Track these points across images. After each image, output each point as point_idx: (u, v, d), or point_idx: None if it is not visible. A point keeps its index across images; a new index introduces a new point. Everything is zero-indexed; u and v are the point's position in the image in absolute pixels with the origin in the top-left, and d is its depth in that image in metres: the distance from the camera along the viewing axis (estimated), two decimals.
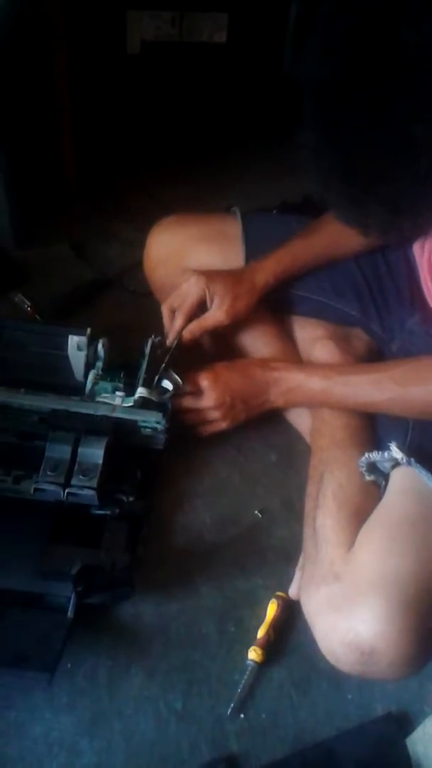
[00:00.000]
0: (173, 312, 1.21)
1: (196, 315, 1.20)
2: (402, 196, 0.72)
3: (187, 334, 1.19)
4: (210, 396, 1.16)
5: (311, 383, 1.13)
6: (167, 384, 1.14)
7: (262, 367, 1.17)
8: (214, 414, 1.18)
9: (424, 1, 0.63)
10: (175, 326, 1.19)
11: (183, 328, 1.19)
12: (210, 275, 1.19)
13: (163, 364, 1.15)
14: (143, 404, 1.11)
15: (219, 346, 1.28)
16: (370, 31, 0.66)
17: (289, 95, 2.05)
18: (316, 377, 1.13)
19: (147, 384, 1.13)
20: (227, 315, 1.19)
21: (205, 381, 1.16)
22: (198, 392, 1.17)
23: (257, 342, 1.27)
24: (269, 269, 1.20)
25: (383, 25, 0.64)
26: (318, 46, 0.72)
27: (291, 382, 1.16)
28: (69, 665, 0.99)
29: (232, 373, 1.17)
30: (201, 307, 1.20)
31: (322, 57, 0.71)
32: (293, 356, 1.27)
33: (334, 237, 1.21)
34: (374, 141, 0.69)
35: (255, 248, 1.25)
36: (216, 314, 1.19)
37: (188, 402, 1.17)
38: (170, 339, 1.19)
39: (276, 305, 1.29)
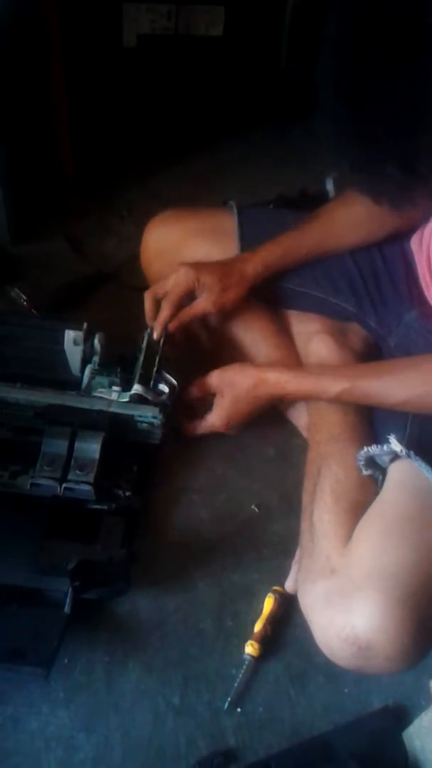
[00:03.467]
0: (156, 301, 1.22)
1: (183, 306, 1.20)
2: (418, 157, 0.72)
3: (174, 323, 1.20)
4: (220, 417, 1.18)
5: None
6: (163, 387, 1.14)
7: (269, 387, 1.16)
8: (216, 426, 1.20)
9: None
10: (160, 317, 1.19)
11: (169, 318, 1.19)
12: (199, 266, 1.19)
13: (155, 367, 1.15)
14: (139, 400, 1.11)
15: (216, 341, 1.28)
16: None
17: (285, 89, 2.06)
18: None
19: (143, 380, 1.13)
20: (215, 305, 1.19)
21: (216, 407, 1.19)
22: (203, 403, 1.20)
23: (255, 336, 1.27)
24: (259, 259, 1.20)
25: None
26: (341, 4, 0.71)
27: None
28: (66, 660, 1.00)
29: (240, 395, 1.16)
30: (189, 298, 1.20)
31: (345, 14, 0.71)
32: (290, 351, 1.27)
33: (327, 229, 1.21)
34: (394, 97, 0.69)
35: (250, 243, 1.24)
36: (204, 303, 1.19)
37: (202, 427, 1.21)
38: (157, 331, 1.19)
39: (273, 300, 1.29)
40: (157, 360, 1.16)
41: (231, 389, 1.16)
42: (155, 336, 1.19)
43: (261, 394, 1.14)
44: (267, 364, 1.21)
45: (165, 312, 1.19)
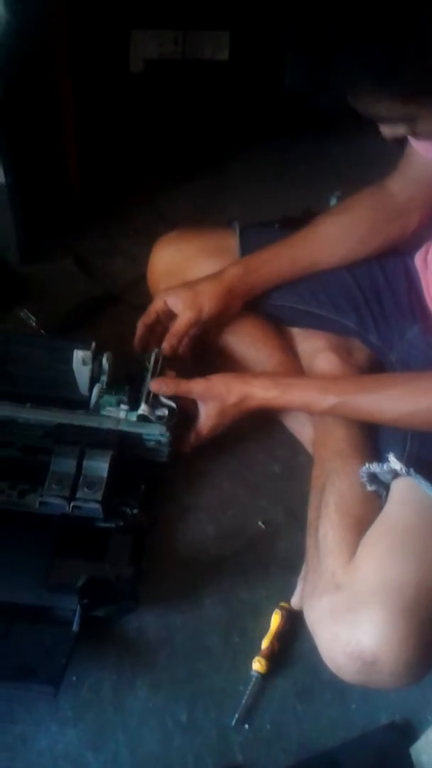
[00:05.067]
0: (144, 326, 1.27)
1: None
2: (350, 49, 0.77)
3: (166, 347, 1.22)
4: (206, 427, 1.18)
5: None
6: (162, 411, 1.14)
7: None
8: (203, 436, 1.20)
9: None
10: (136, 336, 1.26)
11: (141, 335, 1.26)
12: (175, 287, 1.24)
13: (149, 392, 1.15)
14: (145, 420, 1.12)
15: (221, 358, 1.29)
16: None
17: (289, 110, 2.07)
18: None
19: (149, 401, 1.14)
20: (191, 310, 1.21)
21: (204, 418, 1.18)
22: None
23: (259, 354, 1.28)
24: (239, 261, 1.24)
25: None
26: None
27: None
28: (74, 678, 1.00)
29: (226, 408, 1.16)
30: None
31: None
32: (295, 368, 1.28)
33: (314, 239, 1.24)
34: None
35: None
36: (182, 315, 1.22)
37: (191, 440, 1.19)
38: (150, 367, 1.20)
39: (277, 319, 1.30)
40: (147, 384, 1.16)
41: (217, 401, 1.15)
42: (154, 386, 1.18)
43: (248, 407, 1.14)
44: (253, 375, 1.19)
45: (138, 332, 1.27)
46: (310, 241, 1.24)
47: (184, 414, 1.17)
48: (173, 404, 1.15)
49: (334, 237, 1.24)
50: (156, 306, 1.24)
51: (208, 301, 1.21)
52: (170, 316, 1.23)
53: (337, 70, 0.80)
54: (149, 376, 1.17)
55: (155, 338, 1.26)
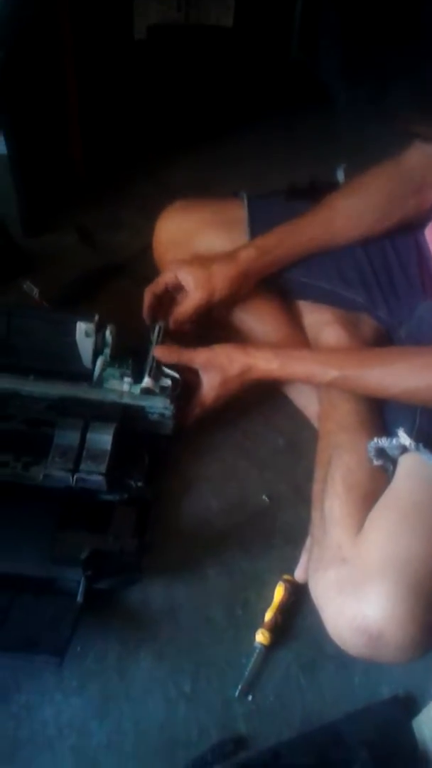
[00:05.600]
0: (152, 295, 1.24)
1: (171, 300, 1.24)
2: (392, 63, 0.73)
3: (172, 324, 1.22)
4: (209, 396, 1.18)
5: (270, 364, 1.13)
6: (166, 382, 1.14)
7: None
8: (206, 405, 1.19)
9: None
10: (145, 305, 1.24)
11: (150, 304, 1.24)
12: (188, 261, 1.21)
13: (152, 365, 1.15)
14: (149, 393, 1.12)
15: (227, 330, 1.28)
16: None
17: (296, 79, 2.05)
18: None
19: (153, 373, 1.13)
20: (203, 290, 1.19)
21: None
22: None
23: (266, 327, 1.27)
24: (252, 243, 1.21)
25: None
26: None
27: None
28: (79, 648, 1.01)
29: (229, 377, 1.15)
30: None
31: None
32: (301, 341, 1.27)
33: (328, 220, 1.21)
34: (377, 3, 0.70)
35: (259, 232, 1.24)
36: (193, 294, 1.20)
37: (194, 410, 1.19)
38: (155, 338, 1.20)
39: (284, 292, 1.29)
40: (151, 356, 1.16)
41: (219, 372, 1.15)
42: (155, 338, 1.19)
43: (250, 378, 1.14)
44: (256, 346, 1.18)
45: (146, 302, 1.24)
46: (326, 220, 1.21)
47: (186, 386, 1.17)
48: (176, 375, 1.15)
49: (351, 217, 1.21)
50: (166, 278, 1.22)
51: (220, 282, 1.19)
52: (179, 288, 1.22)
53: (394, 99, 0.77)
54: (152, 348, 1.17)
55: (162, 309, 1.25)
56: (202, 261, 1.21)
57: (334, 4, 0.74)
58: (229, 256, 1.20)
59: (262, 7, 1.96)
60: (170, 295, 1.25)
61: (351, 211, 1.21)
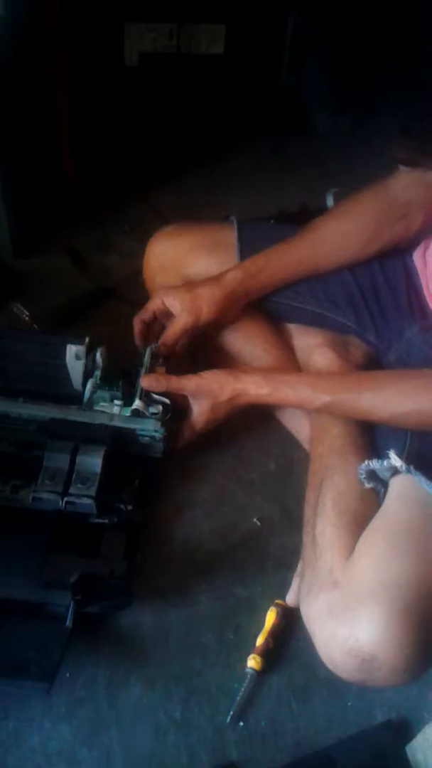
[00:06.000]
0: (141, 322, 1.25)
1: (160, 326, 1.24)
2: (376, 91, 0.72)
3: (161, 348, 1.21)
4: (198, 422, 1.18)
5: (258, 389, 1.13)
6: (156, 407, 1.14)
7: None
8: (196, 430, 1.19)
9: None
10: (135, 332, 1.24)
11: (139, 331, 1.24)
12: (174, 287, 1.22)
13: (140, 390, 1.14)
14: (139, 416, 1.12)
15: (217, 353, 1.28)
16: None
17: (286, 105, 2.07)
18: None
19: (143, 397, 1.13)
20: (189, 313, 1.19)
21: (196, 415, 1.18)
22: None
23: (256, 349, 1.27)
24: (239, 266, 1.22)
25: None
26: None
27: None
28: (68, 674, 0.99)
29: (219, 403, 1.15)
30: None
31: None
32: (291, 364, 1.28)
33: (316, 243, 1.22)
34: (365, 32, 0.69)
35: (249, 257, 1.25)
36: (179, 317, 1.20)
37: (185, 435, 1.19)
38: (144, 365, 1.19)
39: (274, 314, 1.30)
40: (138, 387, 1.15)
41: (209, 397, 1.15)
42: (145, 362, 1.19)
43: (240, 403, 1.14)
44: (245, 371, 1.17)
45: (136, 329, 1.24)
46: (313, 243, 1.22)
47: (177, 409, 1.17)
48: (167, 400, 1.14)
49: (338, 240, 1.22)
50: (153, 304, 1.22)
51: (206, 305, 1.19)
52: (167, 314, 1.22)
53: (375, 126, 0.77)
54: (143, 371, 1.17)
55: (152, 334, 1.25)
56: (188, 285, 1.22)
57: (325, 33, 0.74)
58: (216, 278, 1.21)
59: (253, 35, 1.99)
60: (159, 323, 1.25)
61: (338, 235, 1.22)
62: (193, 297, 1.19)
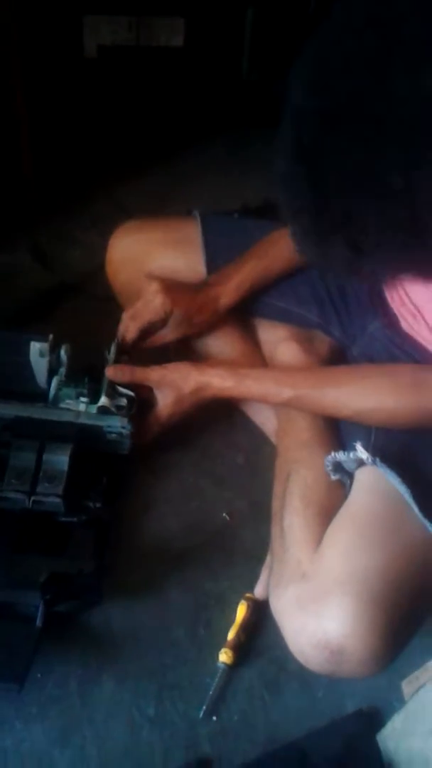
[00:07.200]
0: (138, 332, 1.22)
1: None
2: (367, 240, 0.69)
3: (148, 343, 1.22)
4: (162, 415, 1.17)
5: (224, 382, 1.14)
6: (122, 401, 1.13)
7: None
8: (161, 423, 1.19)
9: (424, 53, 0.59)
10: (126, 338, 1.20)
11: (133, 339, 1.20)
12: (175, 295, 1.19)
13: (105, 384, 1.14)
14: (105, 412, 1.11)
15: (184, 348, 1.28)
16: (364, 74, 0.61)
17: (248, 98, 2.07)
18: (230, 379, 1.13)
19: (109, 392, 1.13)
20: (179, 338, 1.22)
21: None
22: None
23: (222, 343, 1.27)
24: (230, 295, 1.21)
25: (379, 71, 0.60)
26: (308, 77, 0.66)
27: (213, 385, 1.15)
28: (39, 675, 0.99)
29: (183, 395, 1.15)
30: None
31: (312, 89, 0.66)
32: (257, 358, 1.28)
33: (286, 247, 1.19)
34: (351, 182, 0.66)
35: (214, 252, 1.25)
36: (170, 336, 1.22)
37: (149, 428, 1.18)
38: (113, 353, 1.19)
39: (240, 309, 1.29)
40: (105, 380, 1.15)
41: (173, 389, 1.15)
42: (111, 357, 1.18)
43: (204, 396, 1.14)
44: (210, 364, 1.18)
45: (131, 334, 1.20)
46: (281, 248, 1.20)
47: (142, 403, 1.16)
48: (131, 393, 1.14)
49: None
50: (154, 315, 1.19)
51: (200, 329, 1.23)
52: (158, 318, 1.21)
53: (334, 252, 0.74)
54: (108, 365, 1.16)
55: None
56: (192, 304, 1.20)
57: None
58: (214, 309, 1.22)
59: (213, 28, 1.98)
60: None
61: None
62: (191, 325, 1.21)
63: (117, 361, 1.17)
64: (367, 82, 0.61)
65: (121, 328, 1.21)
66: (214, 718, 0.98)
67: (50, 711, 0.96)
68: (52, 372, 1.16)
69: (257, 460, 1.27)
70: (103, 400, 1.11)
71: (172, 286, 1.20)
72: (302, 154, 0.68)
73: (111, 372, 1.14)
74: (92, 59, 1.93)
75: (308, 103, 0.66)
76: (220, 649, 1.02)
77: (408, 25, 0.59)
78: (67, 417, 1.11)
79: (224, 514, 1.19)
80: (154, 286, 1.19)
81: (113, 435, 1.13)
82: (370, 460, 0.95)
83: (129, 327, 1.20)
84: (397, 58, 0.59)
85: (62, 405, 1.12)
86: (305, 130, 0.67)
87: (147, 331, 1.21)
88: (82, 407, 1.12)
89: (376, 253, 0.70)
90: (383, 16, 0.61)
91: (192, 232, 1.29)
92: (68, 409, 1.12)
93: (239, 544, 1.16)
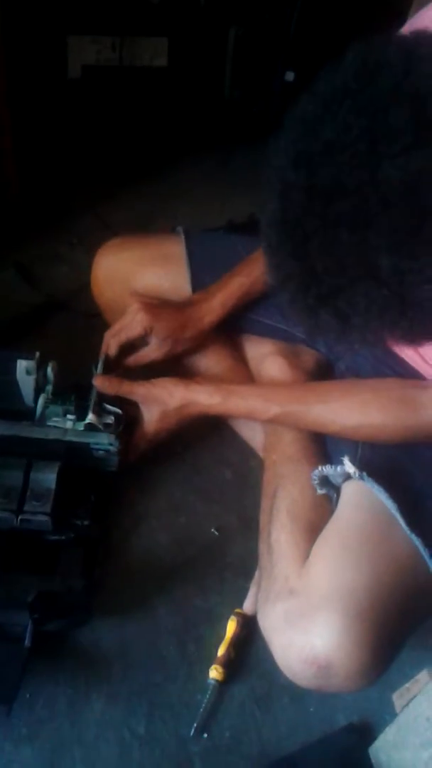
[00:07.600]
0: (118, 347, 1.23)
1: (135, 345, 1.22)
2: (356, 314, 0.67)
3: (132, 361, 1.22)
4: (149, 431, 1.17)
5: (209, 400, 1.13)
6: (109, 418, 1.14)
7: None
8: (147, 439, 1.18)
9: (412, 135, 0.57)
10: (108, 354, 1.21)
11: (114, 356, 1.21)
12: (156, 313, 1.19)
13: (95, 401, 1.14)
14: (93, 430, 1.11)
15: (171, 365, 1.28)
16: (352, 154, 0.59)
17: (230, 117, 2.08)
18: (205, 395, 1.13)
19: (96, 409, 1.13)
20: (165, 356, 1.21)
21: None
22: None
23: (208, 360, 1.27)
24: (215, 312, 1.21)
25: (367, 153, 0.59)
26: (293, 150, 0.64)
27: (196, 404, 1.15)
28: (28, 695, 0.98)
29: (169, 411, 1.15)
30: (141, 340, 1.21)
31: (298, 162, 0.63)
32: (244, 374, 1.28)
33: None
34: (338, 260, 0.64)
35: (199, 269, 1.25)
36: (154, 354, 1.21)
37: (137, 442, 1.18)
38: (100, 368, 1.19)
39: (227, 326, 1.30)
40: (94, 392, 1.15)
41: (158, 405, 1.15)
42: (97, 381, 1.17)
43: (189, 413, 1.14)
44: (197, 381, 1.17)
45: (111, 351, 1.21)
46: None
47: (129, 420, 1.16)
48: (119, 410, 1.14)
49: None
50: (135, 331, 1.20)
51: (184, 348, 1.22)
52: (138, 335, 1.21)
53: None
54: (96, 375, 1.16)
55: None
56: (174, 322, 1.20)
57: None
58: (198, 328, 1.21)
59: (196, 48, 2.00)
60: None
61: None
62: (175, 342, 1.20)
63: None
64: (353, 164, 0.60)
65: (103, 346, 1.21)
66: (206, 735, 0.97)
67: (40, 732, 0.96)
68: (38, 390, 1.16)
69: (245, 474, 1.28)
70: (91, 418, 1.11)
71: (153, 305, 1.20)
72: (287, 229, 0.66)
73: (99, 381, 1.14)
74: (76, 79, 1.95)
75: (293, 177, 0.64)
76: (210, 666, 1.02)
77: (393, 109, 0.58)
78: (54, 435, 1.10)
79: (213, 530, 1.19)
80: (135, 305, 1.19)
81: (101, 452, 1.12)
82: (357, 474, 0.95)
83: (110, 344, 1.20)
84: (382, 142, 0.58)
85: (49, 423, 1.12)
86: (290, 205, 0.65)
87: (128, 349, 1.21)
88: (69, 425, 1.12)
89: (365, 324, 0.69)
90: (368, 102, 0.60)
91: (176, 249, 1.29)
92: (55, 427, 1.11)
93: (228, 559, 1.16)
